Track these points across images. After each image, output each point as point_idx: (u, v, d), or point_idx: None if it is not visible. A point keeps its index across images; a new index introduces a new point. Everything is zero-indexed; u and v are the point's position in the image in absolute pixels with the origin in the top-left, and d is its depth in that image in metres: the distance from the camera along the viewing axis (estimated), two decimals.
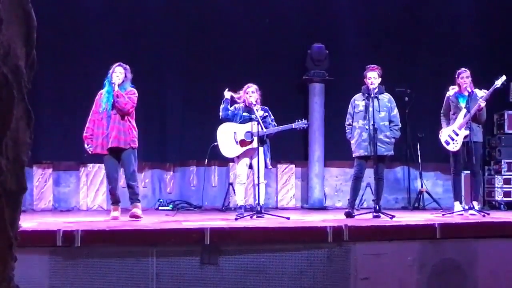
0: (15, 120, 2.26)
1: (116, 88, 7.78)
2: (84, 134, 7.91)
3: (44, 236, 5.99)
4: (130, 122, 7.87)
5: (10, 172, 2.27)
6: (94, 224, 7.13)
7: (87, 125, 7.92)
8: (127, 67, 8.01)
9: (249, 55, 11.06)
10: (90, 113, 7.94)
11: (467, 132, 8.50)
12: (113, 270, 6.04)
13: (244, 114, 8.39)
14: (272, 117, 8.47)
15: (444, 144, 8.73)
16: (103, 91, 7.92)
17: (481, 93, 8.69)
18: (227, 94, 8.46)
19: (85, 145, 7.91)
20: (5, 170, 2.22)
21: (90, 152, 7.95)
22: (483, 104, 8.57)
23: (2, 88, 2.18)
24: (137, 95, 7.96)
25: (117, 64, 7.98)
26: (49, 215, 9.21)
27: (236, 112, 8.45)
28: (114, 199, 7.97)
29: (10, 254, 2.31)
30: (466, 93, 8.62)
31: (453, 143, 8.65)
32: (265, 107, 8.50)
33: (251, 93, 8.34)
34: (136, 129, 7.95)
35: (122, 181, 8.61)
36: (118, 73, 7.90)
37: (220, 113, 8.45)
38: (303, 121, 8.43)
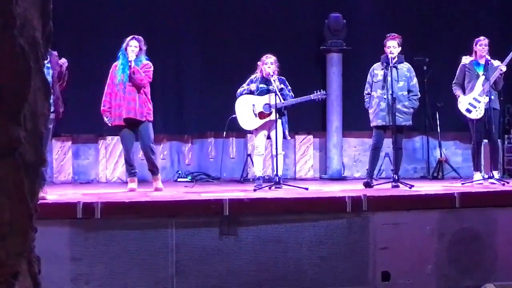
0: (33, 91, 2.26)
1: (133, 64, 7.75)
2: (102, 108, 7.93)
3: (64, 208, 6.06)
4: (145, 95, 7.86)
5: (29, 144, 2.27)
6: (114, 196, 7.19)
7: (103, 98, 7.94)
8: (141, 38, 7.95)
9: (266, 26, 10.96)
10: (106, 86, 7.97)
11: (487, 99, 8.42)
12: (132, 241, 6.09)
13: (261, 86, 8.34)
14: (289, 87, 8.40)
15: (466, 113, 8.61)
16: (118, 64, 7.91)
17: (497, 63, 8.59)
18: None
19: (105, 119, 7.95)
20: (23, 141, 2.23)
21: (110, 125, 8.01)
22: (504, 68, 8.48)
23: (19, 59, 2.17)
24: (152, 68, 7.93)
25: (130, 37, 7.93)
26: (69, 187, 9.28)
27: (254, 83, 8.40)
28: (132, 171, 8.01)
29: (30, 225, 2.32)
30: (483, 61, 8.54)
31: (476, 111, 8.54)
32: (282, 78, 8.42)
33: (269, 64, 8.28)
34: (151, 103, 7.95)
35: (140, 154, 8.69)
36: (133, 46, 7.84)
37: (247, 86, 8.42)
38: (322, 92, 8.38)
